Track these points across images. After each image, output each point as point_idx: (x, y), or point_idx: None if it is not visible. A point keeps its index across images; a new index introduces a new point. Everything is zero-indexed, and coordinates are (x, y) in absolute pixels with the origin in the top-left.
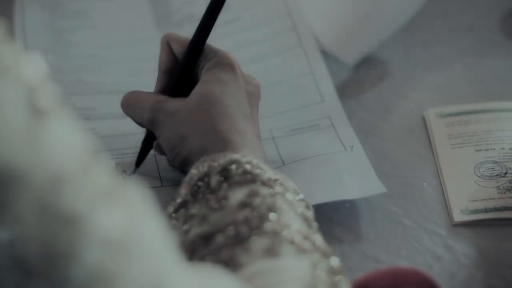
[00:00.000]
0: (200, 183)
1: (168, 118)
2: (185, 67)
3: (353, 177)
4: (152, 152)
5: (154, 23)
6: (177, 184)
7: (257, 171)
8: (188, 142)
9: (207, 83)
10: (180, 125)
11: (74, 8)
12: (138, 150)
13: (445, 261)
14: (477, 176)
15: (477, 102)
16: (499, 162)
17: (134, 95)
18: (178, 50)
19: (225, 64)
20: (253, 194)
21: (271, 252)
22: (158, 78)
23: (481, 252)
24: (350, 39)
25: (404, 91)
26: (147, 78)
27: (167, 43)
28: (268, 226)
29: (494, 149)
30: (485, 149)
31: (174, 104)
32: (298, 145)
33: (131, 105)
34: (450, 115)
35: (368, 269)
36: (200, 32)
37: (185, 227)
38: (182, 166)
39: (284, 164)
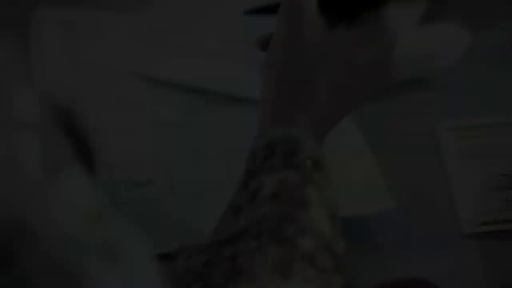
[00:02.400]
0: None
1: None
2: None
3: (363, 190)
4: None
5: None
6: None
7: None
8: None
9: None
10: (312, 52)
11: (89, 25)
12: (152, 169)
13: (455, 273)
14: (487, 188)
15: (487, 116)
16: (508, 174)
17: None
18: None
19: None
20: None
21: (283, 270)
22: None
23: (491, 263)
24: None
25: (415, 104)
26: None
27: None
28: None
29: (503, 161)
30: (494, 162)
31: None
32: None
33: None
34: (460, 128)
35: (380, 281)
36: None
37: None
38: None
39: None
